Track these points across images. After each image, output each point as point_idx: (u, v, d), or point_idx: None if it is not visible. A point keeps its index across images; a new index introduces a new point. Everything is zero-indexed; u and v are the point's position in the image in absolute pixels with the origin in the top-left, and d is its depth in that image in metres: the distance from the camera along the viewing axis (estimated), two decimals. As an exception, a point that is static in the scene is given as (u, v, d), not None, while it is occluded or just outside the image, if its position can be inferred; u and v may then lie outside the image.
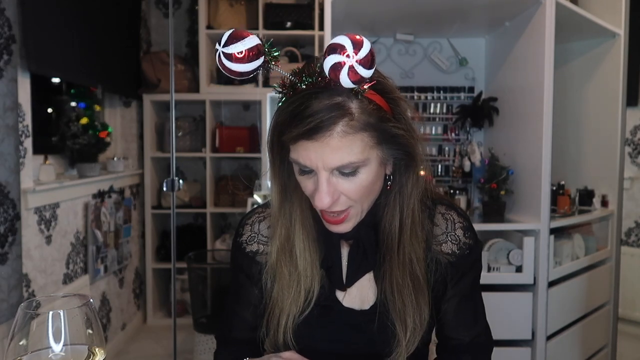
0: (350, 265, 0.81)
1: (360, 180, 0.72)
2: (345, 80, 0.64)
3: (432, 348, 1.00)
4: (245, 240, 0.88)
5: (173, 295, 2.56)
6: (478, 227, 2.09)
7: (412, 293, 0.79)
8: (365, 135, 0.69)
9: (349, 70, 0.64)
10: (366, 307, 0.82)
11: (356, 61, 0.63)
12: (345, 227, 0.76)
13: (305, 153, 0.69)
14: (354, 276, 0.82)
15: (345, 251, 0.83)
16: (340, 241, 0.82)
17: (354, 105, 0.69)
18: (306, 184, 0.74)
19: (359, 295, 0.83)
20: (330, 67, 0.64)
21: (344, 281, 0.82)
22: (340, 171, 0.70)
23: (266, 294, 0.85)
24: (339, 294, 0.83)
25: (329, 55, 0.64)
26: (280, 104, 0.72)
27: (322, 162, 0.69)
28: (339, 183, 0.71)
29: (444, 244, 0.84)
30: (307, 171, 0.72)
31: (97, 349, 0.59)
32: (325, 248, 0.82)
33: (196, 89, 3.25)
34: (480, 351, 0.95)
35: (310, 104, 0.68)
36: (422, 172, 0.79)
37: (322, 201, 0.70)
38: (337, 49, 0.64)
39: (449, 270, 0.83)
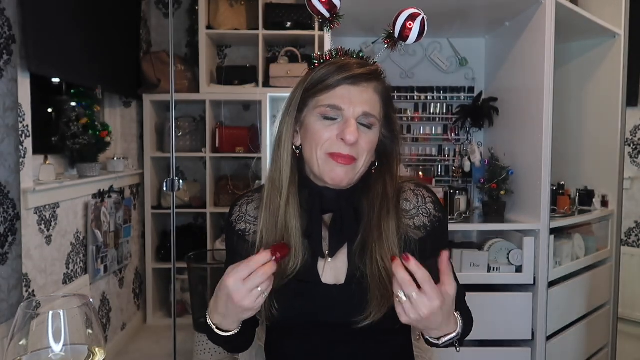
0: (332, 235, 0.92)
1: (371, 136, 0.89)
2: (416, 28, 0.93)
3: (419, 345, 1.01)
4: (235, 219, 0.99)
5: (173, 295, 2.56)
6: (478, 227, 2.09)
7: (384, 264, 0.87)
8: (382, 103, 0.91)
9: (422, 19, 0.93)
10: (341, 281, 0.92)
11: (424, 17, 0.92)
12: (347, 176, 0.88)
13: (344, 94, 0.86)
14: (335, 246, 0.92)
15: (325, 227, 0.93)
16: (321, 216, 0.93)
17: (382, 77, 0.92)
18: (326, 131, 0.87)
19: (335, 271, 0.93)
20: (409, 14, 0.92)
21: (327, 251, 0.92)
22: (362, 122, 0.87)
23: None
24: (320, 268, 0.93)
25: (404, 11, 0.92)
26: (317, 66, 0.91)
27: (357, 103, 0.86)
28: (357, 131, 0.87)
29: (416, 218, 0.95)
30: (332, 118, 0.87)
31: (97, 349, 0.59)
32: (307, 219, 0.92)
33: (196, 89, 3.25)
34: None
35: (354, 62, 0.89)
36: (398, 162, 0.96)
37: (354, 134, 0.84)
38: (411, 9, 0.92)
39: (418, 247, 0.92)
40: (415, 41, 0.94)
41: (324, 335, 0.93)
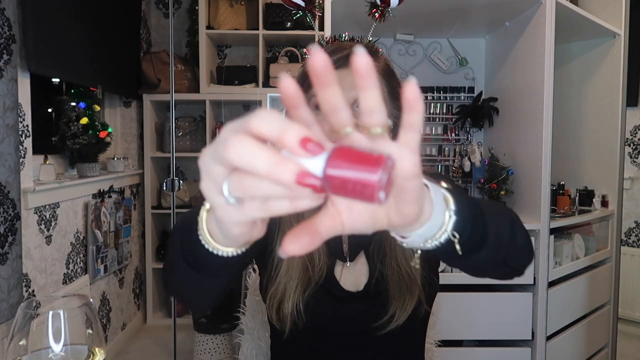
0: (351, 237, 0.86)
1: None
2: None
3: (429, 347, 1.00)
4: None
5: (173, 295, 2.55)
6: (478, 227, 2.09)
7: (402, 265, 0.84)
8: (381, 80, 0.82)
9: None
10: (361, 288, 0.87)
11: None
12: None
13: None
14: (355, 250, 0.87)
15: None
16: None
17: (377, 54, 0.87)
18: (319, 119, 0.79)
19: (354, 275, 0.88)
20: None
21: (347, 256, 0.87)
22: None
23: (272, 264, 0.87)
24: (337, 273, 0.88)
25: None
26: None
27: (349, 87, 0.69)
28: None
29: None
30: None
31: (97, 349, 0.59)
32: None
33: (196, 89, 3.25)
34: None
35: (343, 46, 0.84)
36: None
37: None
38: None
39: None
40: (398, 4, 0.95)
41: (336, 341, 0.89)
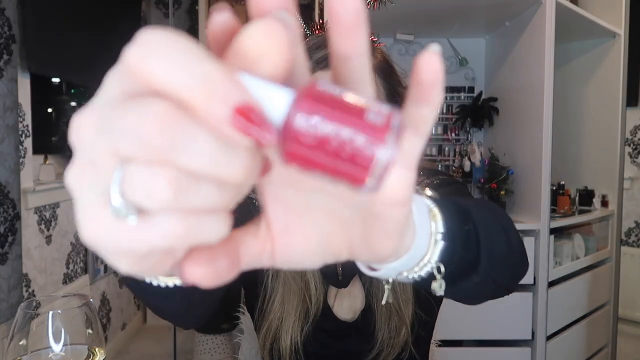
0: (344, 264, 0.76)
1: None
2: None
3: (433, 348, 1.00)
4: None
5: (173, 295, 2.55)
6: (478, 227, 2.09)
7: (396, 289, 0.75)
8: (377, 80, 0.66)
9: None
10: (356, 315, 0.79)
11: None
12: None
13: None
14: (350, 273, 0.77)
15: None
16: None
17: (376, 48, 0.71)
18: None
19: (350, 300, 0.80)
20: None
21: (340, 280, 0.77)
22: None
23: (263, 294, 0.79)
24: (330, 299, 0.79)
25: None
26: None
27: None
28: None
29: None
30: None
31: (97, 349, 0.59)
32: None
33: (196, 89, 3.25)
34: None
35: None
36: None
37: None
38: None
39: None
40: None
41: None
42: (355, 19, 0.21)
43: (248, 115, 0.18)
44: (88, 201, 0.20)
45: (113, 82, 0.19)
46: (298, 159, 0.19)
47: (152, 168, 0.18)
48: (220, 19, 0.22)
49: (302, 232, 0.26)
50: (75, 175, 0.20)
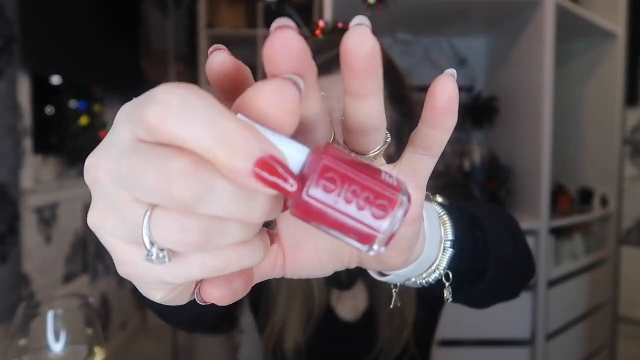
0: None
1: None
2: None
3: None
4: None
5: (173, 295, 2.55)
6: (478, 227, 2.09)
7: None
8: None
9: None
10: (359, 316, 0.79)
11: None
12: None
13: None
14: (353, 276, 0.77)
15: None
16: None
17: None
18: None
19: (353, 303, 0.79)
20: None
21: (344, 283, 0.78)
22: None
23: (267, 299, 0.79)
24: (334, 300, 0.79)
25: None
26: None
27: (336, 99, 0.53)
28: None
29: None
30: None
31: (97, 349, 0.59)
32: None
33: (196, 89, 3.25)
34: None
35: (325, 42, 0.65)
36: None
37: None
38: None
39: None
40: None
41: None
42: (371, 64, 0.21)
43: (271, 168, 0.19)
44: (117, 242, 0.21)
45: (127, 128, 0.20)
46: (309, 216, 0.20)
47: (178, 218, 0.19)
48: (218, 58, 0.24)
49: (313, 247, 0.28)
50: (99, 218, 0.21)
